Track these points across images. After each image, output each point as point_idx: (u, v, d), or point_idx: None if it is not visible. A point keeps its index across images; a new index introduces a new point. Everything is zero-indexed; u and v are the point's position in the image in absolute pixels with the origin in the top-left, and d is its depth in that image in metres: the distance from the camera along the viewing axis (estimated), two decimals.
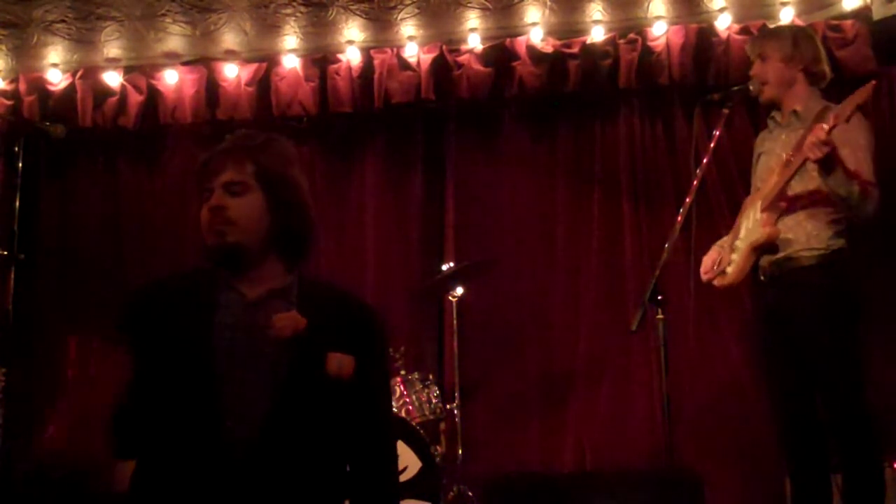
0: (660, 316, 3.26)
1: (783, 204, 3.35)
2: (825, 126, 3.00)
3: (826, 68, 3.51)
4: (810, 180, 3.29)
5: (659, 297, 3.24)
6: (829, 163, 3.07)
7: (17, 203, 3.99)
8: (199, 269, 2.16)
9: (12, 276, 3.81)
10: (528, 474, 4.63)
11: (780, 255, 3.36)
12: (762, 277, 3.45)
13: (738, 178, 4.60)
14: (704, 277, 3.59)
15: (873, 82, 3.07)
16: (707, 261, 3.60)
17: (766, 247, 3.38)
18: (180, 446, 1.95)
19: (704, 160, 3.44)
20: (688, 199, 3.35)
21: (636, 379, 4.72)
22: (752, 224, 3.46)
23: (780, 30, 3.76)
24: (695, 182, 3.39)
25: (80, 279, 5.18)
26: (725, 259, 3.52)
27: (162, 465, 1.96)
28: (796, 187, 3.34)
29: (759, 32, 4.04)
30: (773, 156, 3.48)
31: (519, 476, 4.57)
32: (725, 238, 3.63)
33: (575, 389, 4.83)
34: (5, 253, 3.81)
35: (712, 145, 3.47)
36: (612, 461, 4.65)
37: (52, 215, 5.29)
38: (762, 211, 3.40)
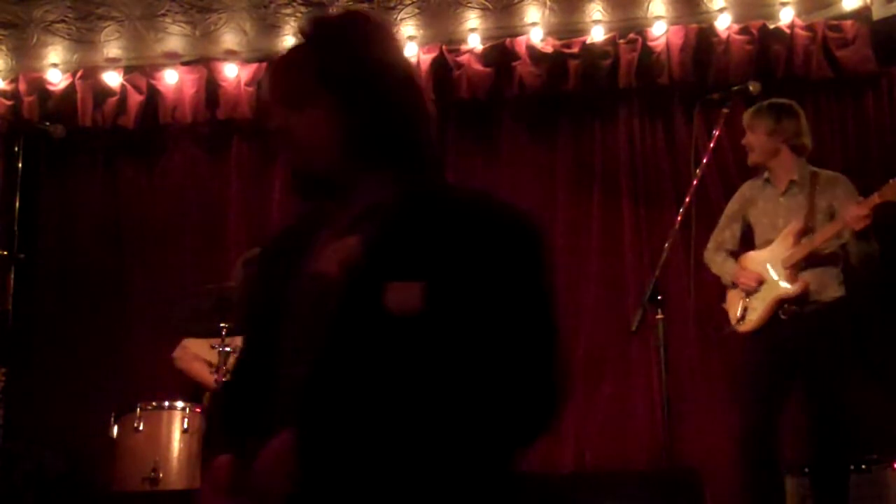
0: (660, 316, 3.27)
1: (804, 262, 3.65)
2: (869, 203, 3.44)
3: (807, 141, 3.77)
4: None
5: (659, 297, 3.25)
6: (868, 232, 3.52)
7: (17, 203, 3.99)
8: None
9: (12, 276, 3.82)
10: (528, 474, 4.62)
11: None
12: (783, 316, 3.67)
13: (738, 177, 4.59)
14: (729, 329, 3.85)
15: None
16: (732, 311, 3.83)
17: (798, 300, 3.63)
18: None
19: (704, 160, 3.45)
20: (688, 199, 3.37)
21: (636, 379, 4.72)
22: (775, 278, 3.66)
23: (768, 108, 3.85)
24: (695, 182, 3.41)
25: (80, 279, 5.18)
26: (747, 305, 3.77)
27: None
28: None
29: (752, 109, 3.93)
30: (778, 217, 3.72)
31: (519, 476, 4.57)
32: (737, 290, 3.81)
33: (575, 389, 4.82)
34: (5, 253, 3.81)
35: (712, 145, 3.49)
36: (612, 461, 4.64)
37: (52, 215, 5.28)
38: (787, 268, 3.64)
